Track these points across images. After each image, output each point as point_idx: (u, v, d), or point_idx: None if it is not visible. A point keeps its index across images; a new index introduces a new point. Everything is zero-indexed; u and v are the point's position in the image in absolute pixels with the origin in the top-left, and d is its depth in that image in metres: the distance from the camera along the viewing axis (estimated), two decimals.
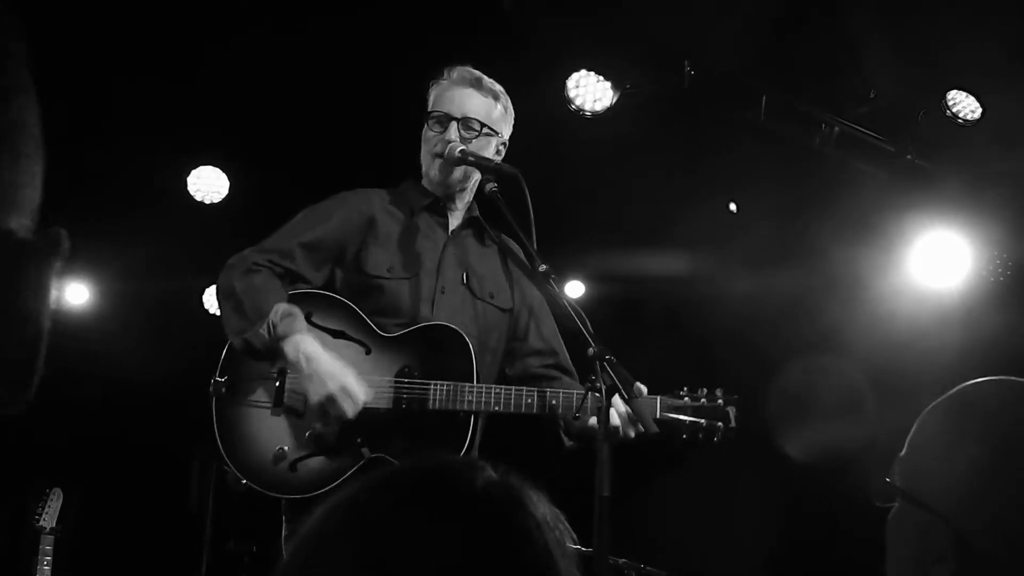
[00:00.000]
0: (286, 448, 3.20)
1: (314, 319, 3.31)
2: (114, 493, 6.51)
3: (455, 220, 3.55)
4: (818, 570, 6.15)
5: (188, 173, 6.41)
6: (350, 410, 3.14)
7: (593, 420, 3.21)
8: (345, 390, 3.14)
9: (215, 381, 3.26)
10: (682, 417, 3.27)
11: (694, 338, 6.29)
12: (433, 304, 3.35)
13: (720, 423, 3.28)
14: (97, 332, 6.82)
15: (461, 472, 1.14)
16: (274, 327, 3.15)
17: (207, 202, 6.42)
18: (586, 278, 6.87)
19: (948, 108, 5.28)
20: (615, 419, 3.11)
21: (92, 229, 6.37)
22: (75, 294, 6.87)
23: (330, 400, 3.13)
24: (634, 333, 5.91)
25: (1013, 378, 1.51)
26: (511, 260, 3.55)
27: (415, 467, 1.18)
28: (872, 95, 5.45)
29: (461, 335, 3.25)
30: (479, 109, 3.45)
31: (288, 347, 3.15)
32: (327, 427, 3.20)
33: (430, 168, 3.48)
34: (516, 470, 1.17)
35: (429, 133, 3.48)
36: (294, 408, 3.24)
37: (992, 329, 5.37)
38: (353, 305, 3.33)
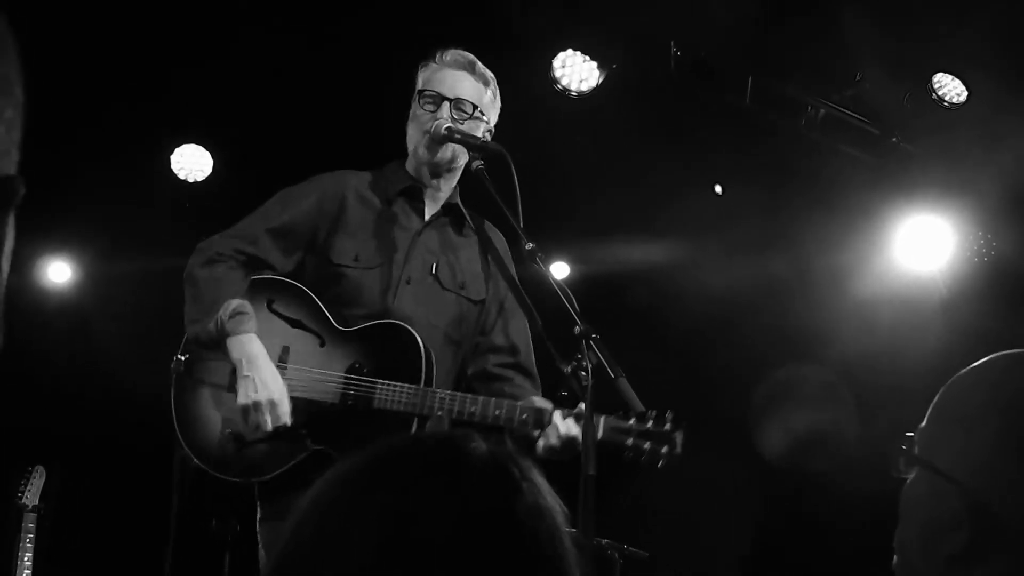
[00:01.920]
0: (233, 432, 3.23)
1: (275, 306, 3.33)
2: (97, 471, 6.49)
3: (434, 206, 3.51)
4: (802, 553, 6.19)
5: (171, 151, 6.37)
6: (267, 425, 3.16)
7: (543, 439, 3.14)
8: (272, 404, 3.16)
9: (176, 359, 3.31)
10: (626, 441, 3.11)
11: (677, 321, 6.29)
12: (396, 294, 3.33)
13: (664, 448, 3.10)
14: (79, 310, 6.78)
15: (463, 444, 1.14)
16: (221, 324, 3.19)
17: (190, 180, 6.39)
18: (571, 260, 6.85)
19: (934, 91, 5.27)
20: (552, 439, 3.09)
21: (74, 207, 6.35)
22: (57, 272, 6.82)
23: (255, 407, 3.15)
24: (617, 316, 5.91)
25: None
26: (490, 252, 3.50)
27: (419, 442, 1.18)
28: (858, 78, 5.44)
29: (415, 337, 3.22)
30: (471, 92, 3.43)
31: (233, 345, 3.19)
32: (245, 429, 3.21)
33: (418, 147, 3.43)
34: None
35: (419, 112, 3.44)
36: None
37: (976, 313, 5.39)
38: (313, 295, 3.32)
